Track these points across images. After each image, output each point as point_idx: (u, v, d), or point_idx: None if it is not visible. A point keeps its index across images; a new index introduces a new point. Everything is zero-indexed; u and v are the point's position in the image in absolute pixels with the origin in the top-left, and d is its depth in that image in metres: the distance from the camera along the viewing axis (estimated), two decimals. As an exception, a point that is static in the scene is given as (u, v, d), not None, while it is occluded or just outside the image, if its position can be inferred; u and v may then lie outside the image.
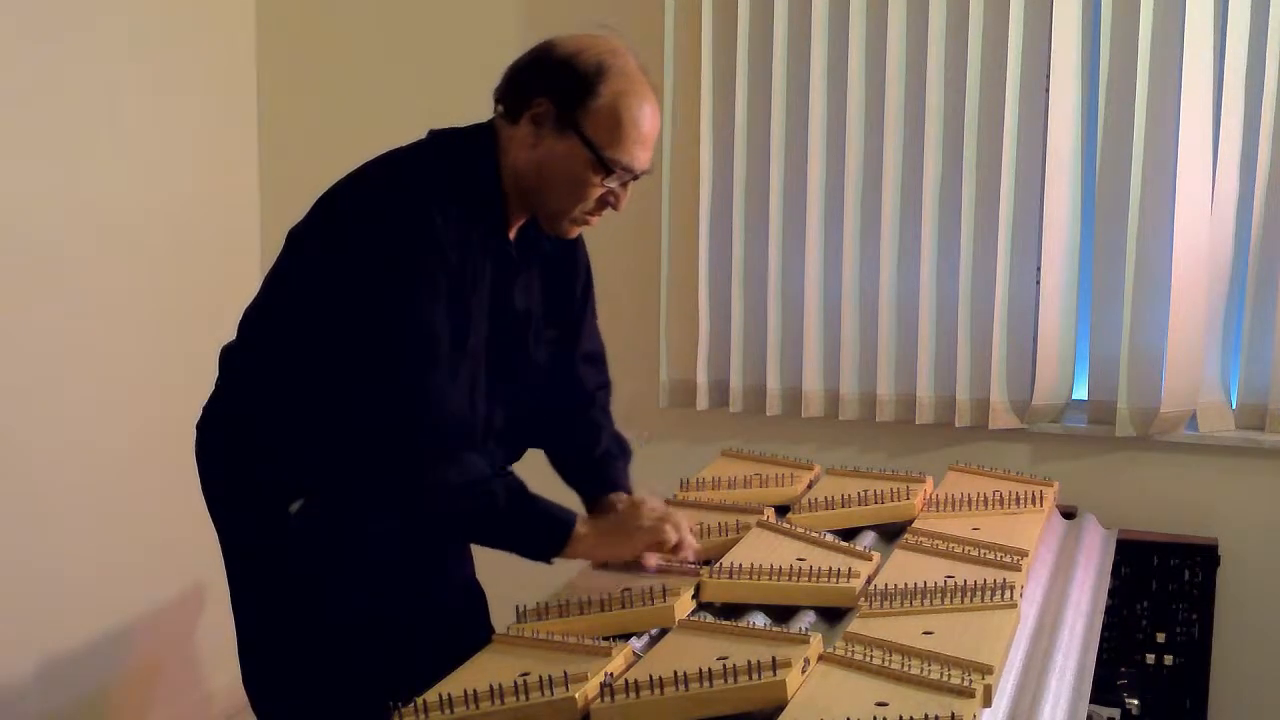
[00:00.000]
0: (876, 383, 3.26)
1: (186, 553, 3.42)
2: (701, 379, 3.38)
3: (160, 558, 3.34)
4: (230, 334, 2.10)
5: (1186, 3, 2.95)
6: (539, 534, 1.94)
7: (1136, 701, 3.01)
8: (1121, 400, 3.10)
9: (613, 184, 1.92)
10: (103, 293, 3.16)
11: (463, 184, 1.92)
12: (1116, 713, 3.00)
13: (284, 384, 1.96)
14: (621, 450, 2.25)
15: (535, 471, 2.22)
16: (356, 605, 2.03)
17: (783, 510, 2.34)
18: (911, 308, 3.23)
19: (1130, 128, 3.03)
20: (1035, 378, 3.17)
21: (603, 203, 1.94)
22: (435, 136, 2.00)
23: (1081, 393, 3.25)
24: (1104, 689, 2.96)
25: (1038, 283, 3.15)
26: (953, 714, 1.49)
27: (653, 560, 2.00)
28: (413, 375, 1.85)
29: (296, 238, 2.00)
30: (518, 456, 2.20)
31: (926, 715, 1.48)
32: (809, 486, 2.49)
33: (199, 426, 2.10)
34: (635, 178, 1.94)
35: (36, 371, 3.00)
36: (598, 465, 2.21)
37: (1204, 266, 3.04)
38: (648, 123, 1.89)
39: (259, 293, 2.06)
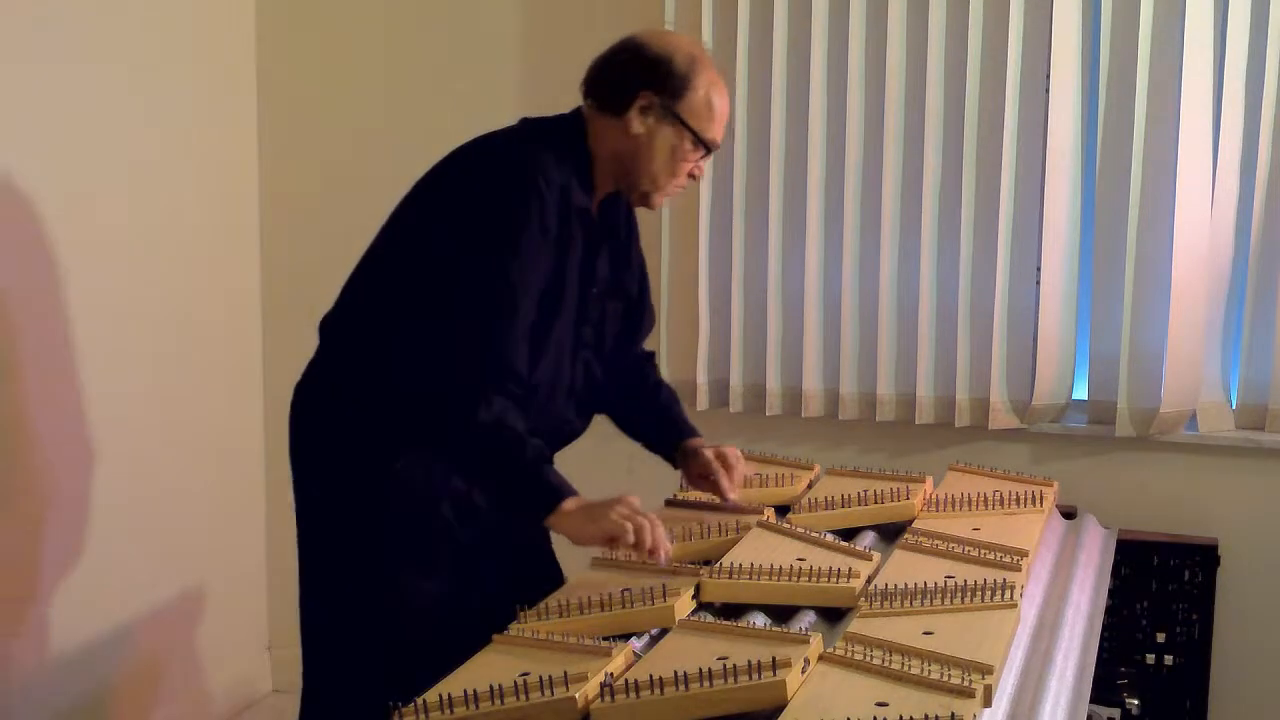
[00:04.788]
0: (876, 383, 3.26)
1: (186, 553, 3.43)
2: (701, 379, 3.38)
3: (160, 558, 3.34)
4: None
5: (1186, 3, 2.95)
6: (539, 495, 2.08)
7: (1136, 701, 3.02)
8: (1121, 400, 3.10)
9: (699, 158, 2.25)
10: (102, 294, 3.15)
11: (561, 160, 2.17)
12: (1116, 713, 3.00)
13: (380, 345, 2.16)
14: (677, 399, 2.51)
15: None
16: (437, 574, 2.19)
17: (783, 510, 2.35)
18: (911, 308, 3.22)
19: (1130, 128, 3.03)
20: (1035, 378, 3.17)
21: (690, 175, 2.27)
22: (529, 122, 2.26)
23: (1081, 393, 3.25)
24: (1104, 689, 2.96)
25: (1038, 283, 3.15)
26: (953, 714, 1.49)
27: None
28: (487, 322, 2.06)
29: (396, 215, 2.23)
30: (588, 420, 2.38)
31: (926, 715, 1.48)
32: (809, 486, 2.50)
33: (297, 389, 2.29)
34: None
35: (36, 372, 3.00)
36: (665, 417, 2.46)
37: (1204, 266, 3.04)
38: (726, 105, 2.26)
39: (356, 267, 2.26)
